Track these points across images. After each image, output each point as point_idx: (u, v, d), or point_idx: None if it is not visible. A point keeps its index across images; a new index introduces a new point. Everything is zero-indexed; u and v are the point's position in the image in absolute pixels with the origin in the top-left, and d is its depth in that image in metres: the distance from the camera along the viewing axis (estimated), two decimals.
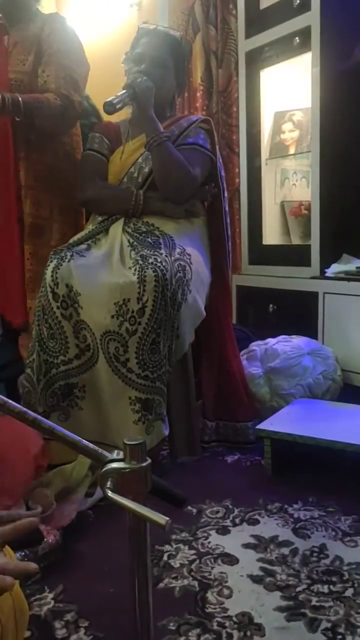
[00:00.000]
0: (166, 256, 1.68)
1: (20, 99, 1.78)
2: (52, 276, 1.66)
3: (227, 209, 2.03)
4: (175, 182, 1.82)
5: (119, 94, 1.73)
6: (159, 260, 1.64)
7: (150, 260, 1.63)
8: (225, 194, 2.02)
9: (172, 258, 1.69)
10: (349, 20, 2.26)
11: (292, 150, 2.58)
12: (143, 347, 1.60)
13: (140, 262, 1.64)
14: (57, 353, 1.65)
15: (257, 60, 2.56)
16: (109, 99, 1.70)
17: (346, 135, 2.29)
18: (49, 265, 1.69)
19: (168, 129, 1.88)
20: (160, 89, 1.84)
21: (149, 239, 1.77)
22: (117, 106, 1.71)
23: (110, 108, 1.70)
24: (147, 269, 1.60)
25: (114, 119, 2.00)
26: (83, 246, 1.79)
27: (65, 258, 1.68)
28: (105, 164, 1.94)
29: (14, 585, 0.60)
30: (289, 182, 2.72)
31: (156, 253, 1.68)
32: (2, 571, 0.60)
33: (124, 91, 1.74)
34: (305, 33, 2.28)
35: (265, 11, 2.49)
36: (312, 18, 2.23)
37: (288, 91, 2.59)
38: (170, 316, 1.64)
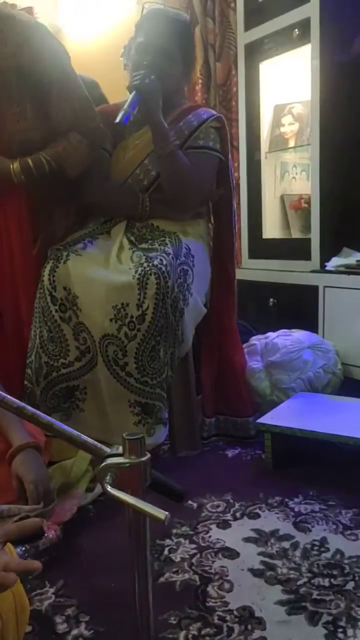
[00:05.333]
0: (172, 258, 1.65)
1: (42, 157, 1.62)
2: (49, 279, 1.62)
3: (235, 207, 2.00)
4: (185, 194, 1.78)
5: (125, 105, 1.65)
6: (164, 262, 1.61)
7: (155, 262, 1.60)
8: (234, 192, 1.99)
9: (177, 261, 1.67)
10: (348, 12, 2.25)
11: (291, 143, 2.57)
12: (142, 353, 1.58)
13: (145, 264, 1.61)
14: (58, 356, 1.63)
15: (256, 52, 2.54)
16: (117, 120, 1.63)
17: (346, 127, 2.28)
18: (45, 266, 1.65)
19: (176, 124, 1.82)
20: (166, 81, 1.76)
21: (155, 246, 1.74)
22: (127, 123, 1.64)
23: (122, 127, 1.65)
24: (150, 274, 1.58)
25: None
26: (80, 245, 1.73)
27: (62, 258, 1.64)
28: (109, 160, 1.86)
29: (16, 582, 0.60)
30: (289, 175, 2.71)
31: (162, 254, 1.66)
32: (5, 569, 0.60)
33: (130, 95, 1.68)
34: (304, 25, 2.26)
35: (264, 3, 2.47)
36: (311, 10, 2.22)
37: (288, 84, 2.58)
38: (172, 324, 1.63)
